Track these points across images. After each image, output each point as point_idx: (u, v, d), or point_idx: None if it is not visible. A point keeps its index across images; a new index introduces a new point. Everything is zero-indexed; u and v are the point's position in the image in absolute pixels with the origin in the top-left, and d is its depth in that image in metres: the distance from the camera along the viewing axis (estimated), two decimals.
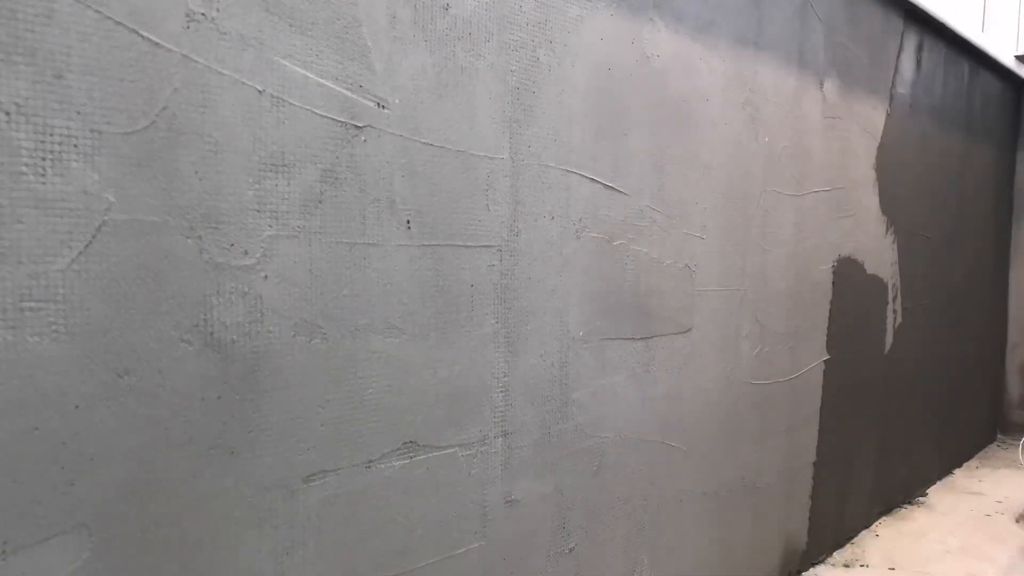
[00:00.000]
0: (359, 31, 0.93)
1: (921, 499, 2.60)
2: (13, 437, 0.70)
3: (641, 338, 1.39)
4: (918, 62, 2.35)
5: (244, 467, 0.86)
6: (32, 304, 0.70)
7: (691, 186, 1.48)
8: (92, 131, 0.73)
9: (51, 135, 0.70)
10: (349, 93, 0.93)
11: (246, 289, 0.85)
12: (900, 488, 2.51)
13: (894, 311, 2.33)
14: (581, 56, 1.22)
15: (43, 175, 0.70)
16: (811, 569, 2.01)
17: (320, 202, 0.91)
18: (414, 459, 1.04)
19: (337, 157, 0.92)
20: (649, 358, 1.41)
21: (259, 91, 0.84)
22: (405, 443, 1.02)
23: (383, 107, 0.96)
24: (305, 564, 0.92)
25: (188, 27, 0.78)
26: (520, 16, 1.12)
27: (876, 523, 2.35)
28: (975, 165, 2.85)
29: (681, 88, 1.43)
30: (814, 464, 1.99)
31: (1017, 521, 2.38)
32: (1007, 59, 2.93)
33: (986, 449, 3.25)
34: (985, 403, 3.22)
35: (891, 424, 2.38)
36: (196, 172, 0.80)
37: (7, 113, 0.68)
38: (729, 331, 1.61)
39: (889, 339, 2.32)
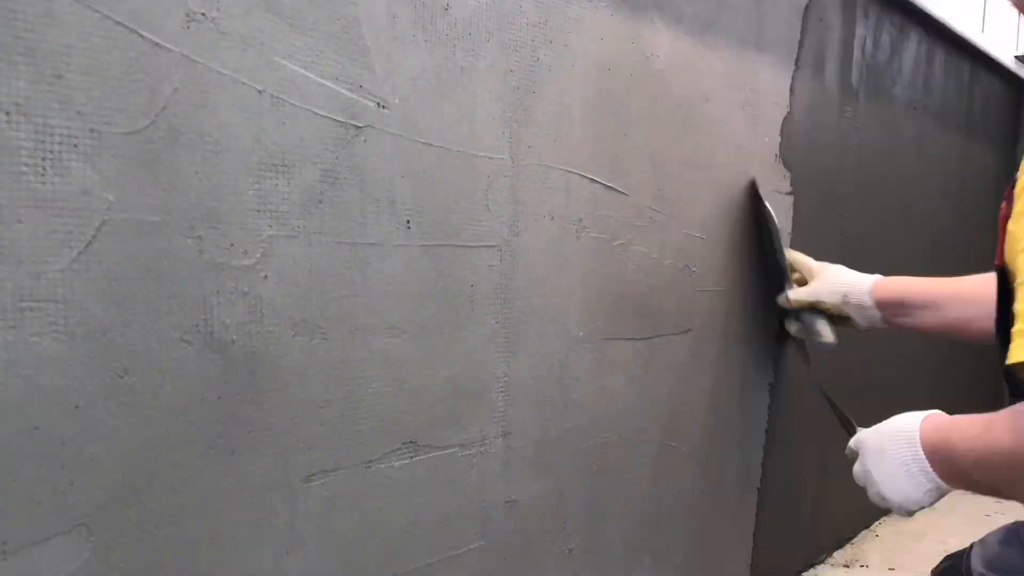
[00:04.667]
0: (359, 31, 0.93)
1: None
2: (13, 437, 0.70)
3: (641, 338, 1.39)
4: (917, 62, 2.35)
5: (244, 467, 0.86)
6: (32, 304, 0.70)
7: (691, 186, 1.48)
8: (92, 131, 0.73)
9: (51, 135, 0.70)
10: (349, 93, 0.93)
11: (246, 289, 0.85)
12: None
13: None
14: (581, 56, 1.22)
15: (43, 175, 0.70)
16: (811, 569, 2.01)
17: (320, 202, 0.91)
18: (414, 459, 1.03)
19: (337, 157, 0.92)
20: (649, 358, 1.41)
21: (259, 91, 0.84)
22: (405, 443, 1.02)
23: (383, 107, 0.96)
24: (305, 564, 0.92)
25: (188, 27, 0.78)
26: (520, 16, 1.12)
27: (876, 523, 2.35)
28: (974, 165, 2.85)
29: (681, 88, 1.43)
30: (816, 464, 1.99)
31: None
32: (1007, 59, 2.93)
33: None
34: (985, 404, 3.22)
35: None
36: (196, 172, 0.80)
37: (7, 113, 0.68)
38: (730, 331, 1.61)
39: (888, 338, 2.32)
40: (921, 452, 0.93)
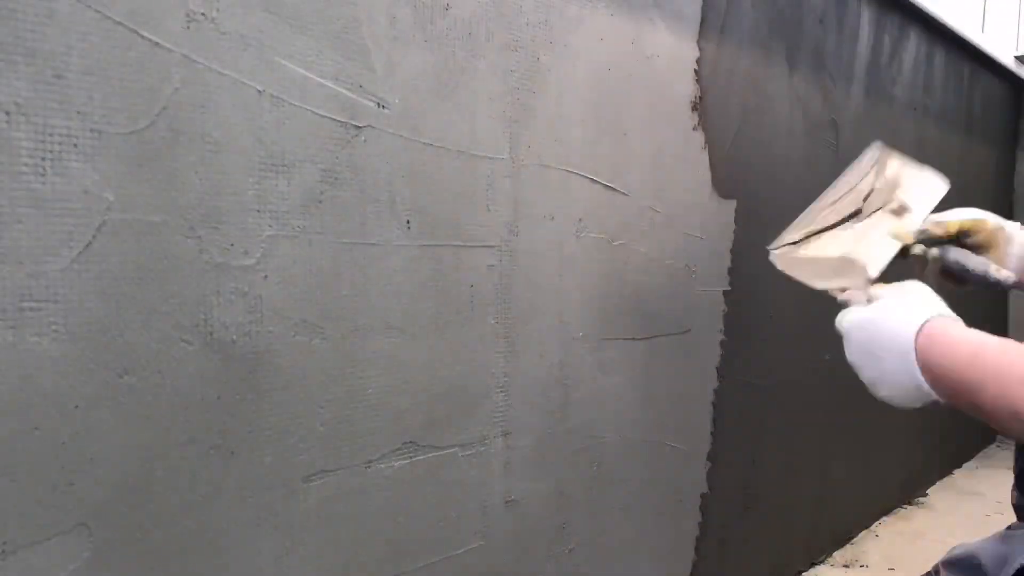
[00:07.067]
0: (359, 31, 0.93)
1: (921, 499, 2.60)
2: (13, 437, 0.70)
3: (641, 338, 1.39)
4: (917, 62, 2.35)
5: (244, 467, 0.86)
6: (32, 304, 0.70)
7: (691, 186, 1.47)
8: (92, 131, 0.73)
9: (51, 135, 0.70)
10: (349, 93, 0.93)
11: (246, 289, 0.85)
12: (900, 488, 2.51)
13: None
14: (581, 56, 1.22)
15: (43, 175, 0.70)
16: (811, 569, 2.01)
17: (320, 202, 0.91)
18: (414, 459, 1.03)
19: (337, 157, 0.92)
20: (649, 358, 1.41)
21: (259, 91, 0.84)
22: (405, 443, 1.02)
23: (383, 107, 0.96)
24: (305, 564, 0.92)
25: (188, 27, 0.78)
26: (520, 16, 1.12)
27: (876, 523, 2.35)
28: (974, 165, 2.85)
29: (681, 88, 1.43)
30: (816, 464, 1.99)
31: None
32: (1007, 59, 2.93)
33: (986, 450, 3.25)
34: None
35: (891, 424, 2.38)
36: (196, 172, 0.80)
37: (7, 113, 0.68)
38: (730, 331, 1.61)
39: None
40: (918, 372, 0.84)
